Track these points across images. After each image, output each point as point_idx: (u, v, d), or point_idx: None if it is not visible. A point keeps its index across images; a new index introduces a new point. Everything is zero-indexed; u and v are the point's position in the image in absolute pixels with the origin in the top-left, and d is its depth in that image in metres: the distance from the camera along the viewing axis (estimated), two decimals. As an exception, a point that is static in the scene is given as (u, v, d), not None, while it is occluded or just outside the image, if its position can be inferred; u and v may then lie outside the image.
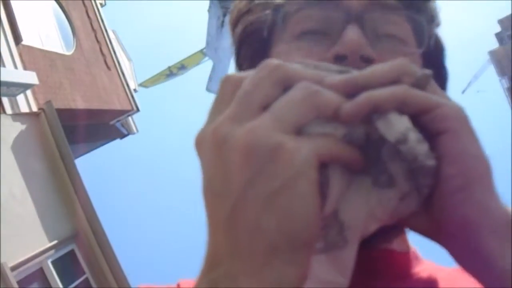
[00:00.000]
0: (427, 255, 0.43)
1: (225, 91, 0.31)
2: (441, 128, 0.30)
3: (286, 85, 0.30)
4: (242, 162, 0.27)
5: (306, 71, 0.31)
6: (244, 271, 0.27)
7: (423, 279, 0.40)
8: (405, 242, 0.42)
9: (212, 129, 0.29)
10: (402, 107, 0.29)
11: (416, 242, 0.44)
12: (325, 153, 0.28)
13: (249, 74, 0.31)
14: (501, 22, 21.72)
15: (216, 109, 0.31)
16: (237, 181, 0.27)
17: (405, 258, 0.41)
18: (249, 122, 0.28)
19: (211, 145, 0.29)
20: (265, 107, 0.29)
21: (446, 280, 0.40)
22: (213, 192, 0.29)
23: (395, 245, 0.41)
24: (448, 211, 0.29)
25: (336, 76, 0.30)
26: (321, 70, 0.31)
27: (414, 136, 0.29)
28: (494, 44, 22.30)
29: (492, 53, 21.96)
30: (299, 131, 0.28)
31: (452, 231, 0.30)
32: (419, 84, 0.31)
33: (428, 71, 0.31)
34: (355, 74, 0.31)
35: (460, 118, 0.30)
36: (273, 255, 0.26)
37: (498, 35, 22.07)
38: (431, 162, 0.29)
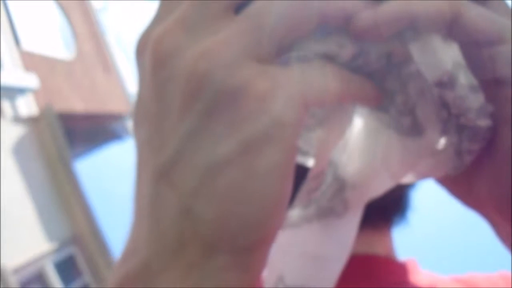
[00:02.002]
0: (425, 264, 0.44)
1: None
2: (508, 75, 0.19)
3: None
4: (185, 104, 0.18)
5: None
6: (163, 267, 0.18)
7: (422, 287, 0.40)
8: (391, 249, 0.43)
9: (154, 36, 0.19)
10: (451, 30, 0.19)
11: (414, 252, 0.46)
12: (317, 96, 0.18)
13: None
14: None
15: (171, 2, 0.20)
16: (174, 131, 0.18)
17: (403, 267, 0.42)
18: (207, 35, 0.18)
19: (151, 62, 0.19)
20: (238, 8, 0.19)
21: None
22: (144, 139, 0.19)
23: (380, 250, 0.41)
24: (500, 194, 0.21)
25: None
26: None
27: (466, 79, 0.19)
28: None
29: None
30: (282, 52, 0.19)
31: (501, 215, 0.21)
32: None
33: None
34: None
35: None
36: (206, 255, 0.18)
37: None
38: (484, 122, 0.20)
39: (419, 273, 0.42)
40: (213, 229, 0.17)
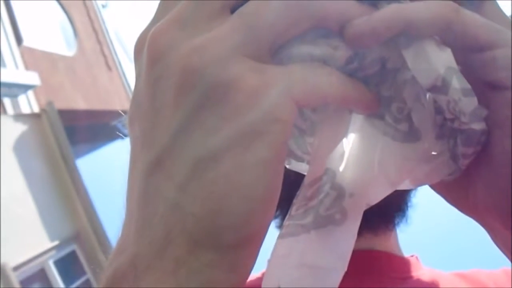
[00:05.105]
0: (426, 261, 0.44)
1: None
2: (502, 79, 0.19)
3: None
4: (177, 98, 0.18)
5: None
6: (149, 265, 0.17)
7: (423, 282, 0.40)
8: (395, 245, 0.43)
9: (150, 35, 0.19)
10: (445, 36, 0.19)
11: (416, 248, 0.45)
12: (309, 94, 0.18)
13: None
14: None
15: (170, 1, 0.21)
16: (165, 125, 0.18)
17: (405, 262, 0.42)
18: (200, 32, 0.18)
19: (146, 60, 0.19)
20: (234, 8, 0.19)
21: (446, 285, 0.40)
22: (137, 135, 0.19)
23: (383, 246, 0.41)
24: (497, 199, 0.20)
25: None
26: None
27: (459, 83, 0.19)
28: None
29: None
30: (275, 51, 0.19)
31: (498, 221, 0.21)
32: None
33: None
34: None
35: None
36: (192, 252, 0.17)
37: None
38: (478, 125, 0.20)
39: (421, 269, 0.42)
40: (200, 224, 0.17)
